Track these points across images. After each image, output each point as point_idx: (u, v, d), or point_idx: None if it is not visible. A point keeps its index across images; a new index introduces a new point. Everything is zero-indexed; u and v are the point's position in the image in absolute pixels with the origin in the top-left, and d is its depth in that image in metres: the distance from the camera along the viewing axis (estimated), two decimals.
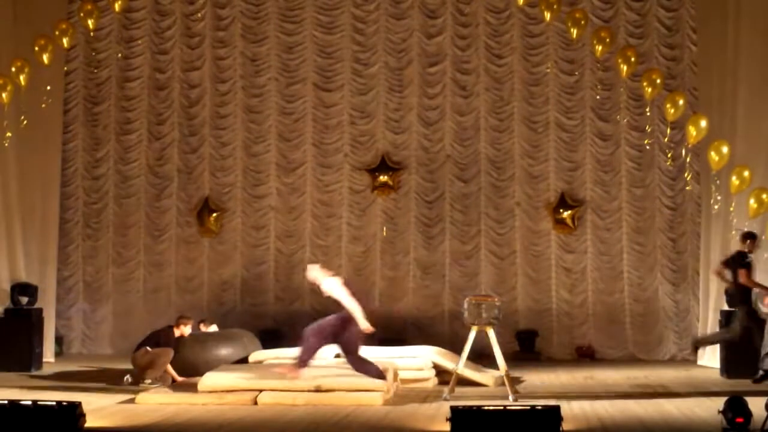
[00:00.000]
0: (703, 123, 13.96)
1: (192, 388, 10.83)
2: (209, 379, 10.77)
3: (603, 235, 15.84)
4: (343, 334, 10.59)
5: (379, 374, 10.58)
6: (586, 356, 15.43)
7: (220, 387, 10.57)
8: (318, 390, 10.37)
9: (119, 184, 16.52)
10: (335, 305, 10.76)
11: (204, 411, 9.83)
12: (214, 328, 13.77)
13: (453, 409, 8.29)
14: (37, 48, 14.06)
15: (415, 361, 11.96)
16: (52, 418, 8.34)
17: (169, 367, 11.93)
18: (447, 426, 8.26)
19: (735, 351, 12.98)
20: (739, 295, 12.31)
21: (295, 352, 11.86)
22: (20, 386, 11.51)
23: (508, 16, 16.08)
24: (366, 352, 12.51)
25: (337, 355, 12.14)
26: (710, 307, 14.37)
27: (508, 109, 16.07)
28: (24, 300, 13.94)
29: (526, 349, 15.38)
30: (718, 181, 14.24)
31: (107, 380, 12.24)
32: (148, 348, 11.98)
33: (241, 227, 16.34)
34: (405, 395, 11.00)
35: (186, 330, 12.38)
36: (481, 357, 12.87)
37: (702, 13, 14.99)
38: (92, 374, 13.25)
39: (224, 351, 12.59)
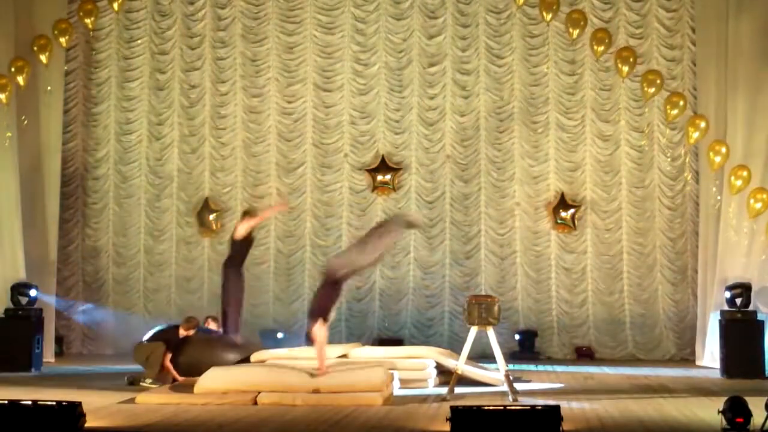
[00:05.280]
0: (703, 123, 14.02)
1: (192, 388, 10.81)
2: (206, 380, 10.74)
3: (603, 236, 15.85)
4: None
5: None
6: (586, 356, 15.43)
7: (218, 389, 10.55)
8: (317, 392, 10.35)
9: (119, 184, 16.53)
10: None
11: (204, 411, 9.82)
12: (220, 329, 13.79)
13: (453, 409, 8.28)
14: (36, 48, 14.10)
15: (416, 361, 11.95)
16: (52, 418, 8.32)
17: (171, 368, 11.92)
18: (447, 426, 8.25)
19: (735, 351, 13.02)
20: None
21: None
22: (20, 386, 11.49)
23: (508, 16, 16.08)
24: (367, 352, 12.56)
25: (343, 356, 12.13)
26: (709, 307, 14.38)
27: (508, 109, 16.07)
28: (24, 300, 13.95)
29: (526, 349, 15.38)
30: (717, 182, 14.28)
31: (107, 380, 12.23)
32: (144, 341, 12.02)
33: None
34: (405, 395, 11.00)
35: (192, 332, 12.37)
36: (481, 357, 12.91)
37: (701, 14, 14.99)
38: (92, 374, 13.25)
39: (227, 351, 12.54)
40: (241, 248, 12.87)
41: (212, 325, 13.55)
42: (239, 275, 12.89)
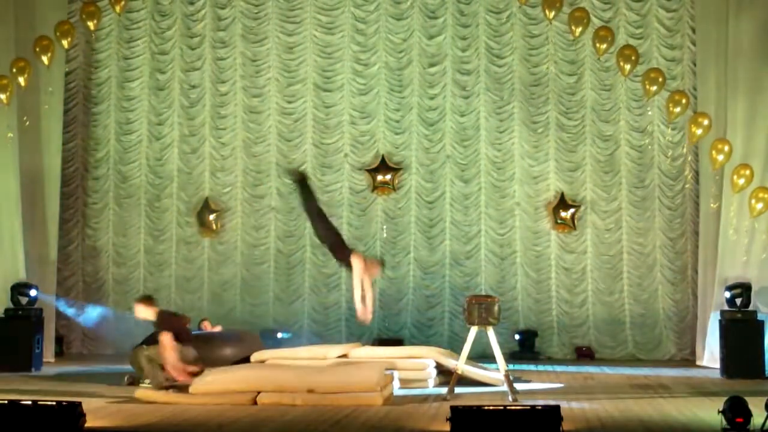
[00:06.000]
0: (706, 121, 14.00)
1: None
2: (203, 382, 10.71)
3: (603, 235, 15.86)
4: None
5: None
6: (586, 356, 15.44)
7: (214, 390, 10.53)
8: (311, 392, 10.30)
9: (119, 184, 16.54)
10: None
11: (204, 411, 9.82)
12: (218, 328, 13.77)
13: (453, 409, 8.28)
14: (37, 49, 14.08)
15: (416, 361, 11.94)
16: (52, 418, 8.32)
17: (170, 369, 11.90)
18: (447, 426, 8.25)
19: (735, 351, 13.01)
20: None
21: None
22: (20, 386, 11.49)
23: (508, 16, 16.09)
24: (367, 352, 12.54)
25: (343, 356, 12.12)
26: (709, 307, 14.38)
27: (508, 109, 16.08)
28: (24, 300, 13.95)
29: (526, 349, 15.39)
30: (717, 178, 14.28)
31: (107, 380, 12.24)
32: (144, 346, 12.00)
33: (241, 227, 16.35)
34: (405, 395, 11.00)
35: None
36: (482, 357, 12.91)
37: (702, 14, 15.00)
38: (92, 374, 13.25)
39: (228, 351, 12.54)
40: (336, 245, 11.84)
41: (207, 327, 13.57)
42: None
